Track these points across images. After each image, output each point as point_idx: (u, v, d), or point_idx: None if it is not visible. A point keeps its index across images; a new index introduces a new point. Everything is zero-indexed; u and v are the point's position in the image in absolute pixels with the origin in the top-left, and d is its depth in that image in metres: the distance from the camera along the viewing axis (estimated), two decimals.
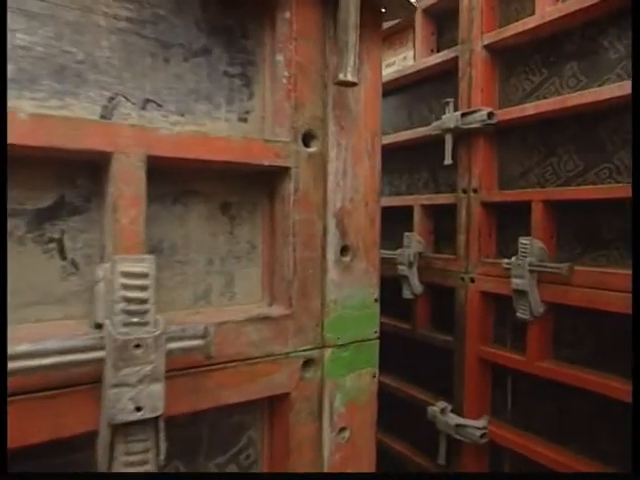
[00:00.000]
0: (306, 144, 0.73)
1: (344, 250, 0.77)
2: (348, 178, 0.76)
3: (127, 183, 0.58)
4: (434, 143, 1.76)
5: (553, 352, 1.48)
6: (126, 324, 0.54)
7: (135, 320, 0.54)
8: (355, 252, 0.77)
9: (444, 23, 1.85)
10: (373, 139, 0.79)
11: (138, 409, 0.54)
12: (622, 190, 1.26)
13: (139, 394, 0.53)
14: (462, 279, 1.66)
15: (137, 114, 0.65)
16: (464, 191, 1.66)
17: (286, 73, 0.70)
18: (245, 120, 0.72)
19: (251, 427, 0.75)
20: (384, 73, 2.17)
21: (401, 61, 2.05)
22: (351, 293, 0.77)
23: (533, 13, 1.46)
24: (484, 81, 1.60)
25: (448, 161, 1.67)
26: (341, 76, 0.66)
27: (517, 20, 1.51)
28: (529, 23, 1.47)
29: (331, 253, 0.74)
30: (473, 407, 1.65)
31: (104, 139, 0.57)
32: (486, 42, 1.58)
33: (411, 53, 1.98)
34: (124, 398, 0.53)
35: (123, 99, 0.64)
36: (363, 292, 0.78)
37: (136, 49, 0.65)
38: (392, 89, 2.06)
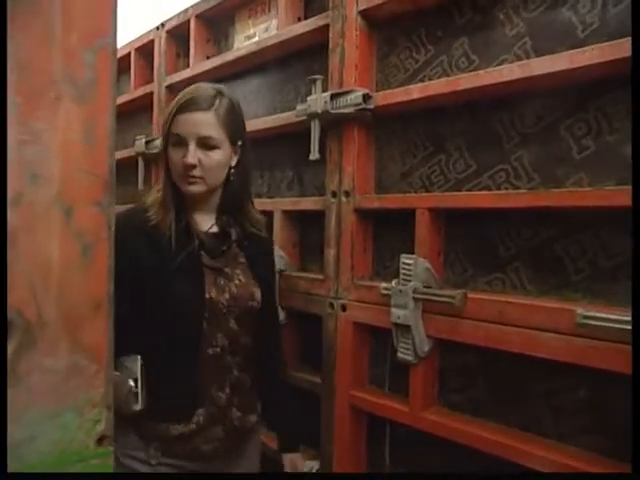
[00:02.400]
0: None
1: None
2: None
3: None
4: (300, 134, 1.39)
5: (439, 399, 1.18)
6: None
7: None
8: (31, 333, 0.32)
9: None
10: (101, 51, 0.34)
11: None
12: (523, 198, 1.01)
13: None
14: (331, 306, 1.31)
15: None
16: (334, 194, 1.31)
17: None
18: None
19: None
20: (242, 45, 1.78)
21: (262, 32, 1.66)
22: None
23: None
24: (359, 56, 1.26)
25: (314, 156, 1.31)
26: None
27: None
28: None
29: None
30: (344, 466, 1.30)
31: None
32: (362, 7, 1.25)
33: (275, 22, 1.60)
34: None
35: None
36: (55, 430, 0.31)
37: None
38: (251, 67, 1.66)
